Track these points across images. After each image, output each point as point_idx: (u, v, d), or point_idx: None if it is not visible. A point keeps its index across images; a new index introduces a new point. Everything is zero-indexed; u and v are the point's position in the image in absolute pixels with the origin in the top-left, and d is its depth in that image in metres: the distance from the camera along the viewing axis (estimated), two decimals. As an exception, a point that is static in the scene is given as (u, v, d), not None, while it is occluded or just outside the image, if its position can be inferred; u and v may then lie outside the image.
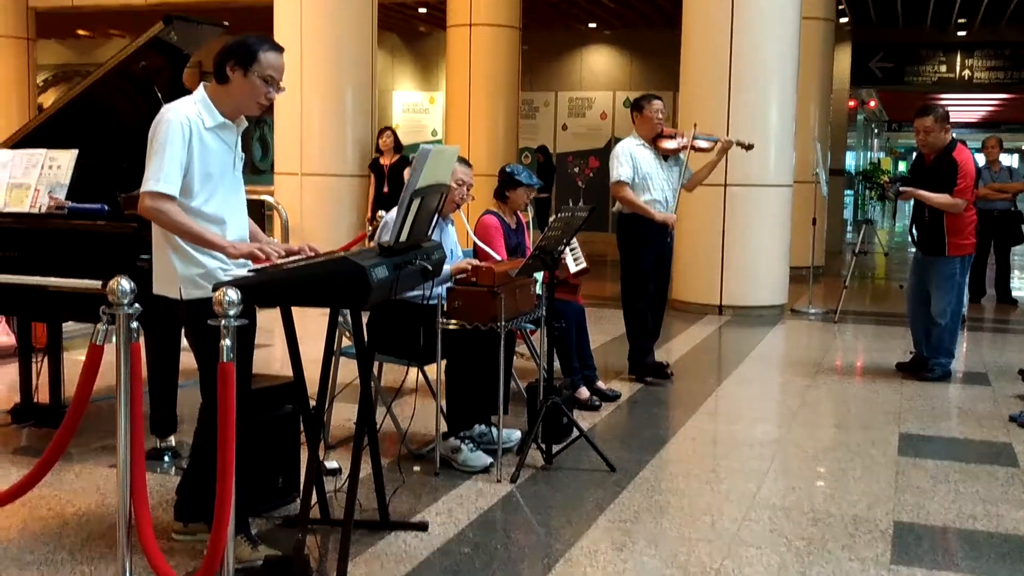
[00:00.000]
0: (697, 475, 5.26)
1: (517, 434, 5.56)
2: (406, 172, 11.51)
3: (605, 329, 8.97)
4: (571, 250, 6.56)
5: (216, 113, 3.89)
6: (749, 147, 7.58)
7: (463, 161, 5.65)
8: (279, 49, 3.95)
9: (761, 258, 10.70)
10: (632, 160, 7.14)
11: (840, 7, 17.04)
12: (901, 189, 7.44)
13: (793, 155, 11.20)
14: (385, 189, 11.77)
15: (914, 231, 7.80)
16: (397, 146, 11.93)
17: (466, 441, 5.22)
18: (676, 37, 11.25)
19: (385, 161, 11.84)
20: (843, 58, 20.17)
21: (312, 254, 3.94)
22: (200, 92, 3.94)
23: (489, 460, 5.17)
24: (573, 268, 6.55)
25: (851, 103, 22.87)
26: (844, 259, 17.59)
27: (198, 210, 3.85)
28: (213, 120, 3.88)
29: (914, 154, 7.68)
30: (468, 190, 5.68)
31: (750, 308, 10.68)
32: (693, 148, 7.29)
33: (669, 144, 7.23)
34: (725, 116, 10.32)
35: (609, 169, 7.26)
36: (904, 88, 22.13)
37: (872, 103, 29.50)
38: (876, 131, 38.80)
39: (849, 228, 24.94)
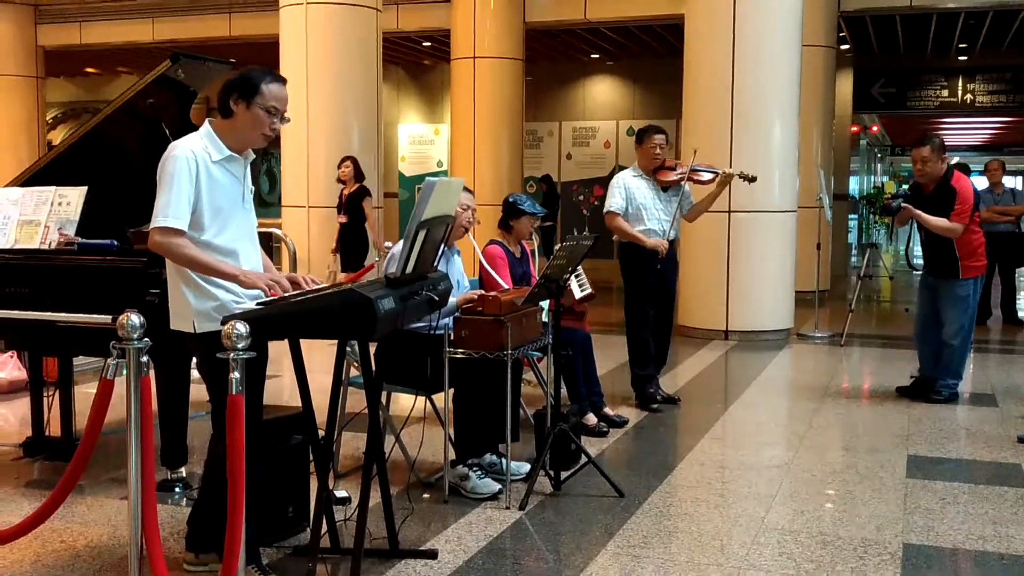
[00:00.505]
0: (705, 500, 5.25)
1: (526, 467, 5.55)
2: (365, 203, 11.37)
3: (611, 356, 8.97)
4: (576, 277, 6.57)
5: (222, 147, 3.93)
6: (751, 180, 7.55)
7: (465, 188, 5.69)
8: (281, 80, 3.98)
9: (766, 283, 10.71)
10: (626, 191, 7.17)
11: (841, 34, 17.10)
12: (902, 205, 7.43)
13: (797, 181, 11.21)
14: (342, 218, 11.40)
15: (908, 255, 7.82)
16: (358, 175, 11.61)
17: (474, 468, 5.23)
18: (678, 66, 11.31)
19: (345, 191, 11.57)
20: (845, 84, 20.23)
21: (311, 287, 3.96)
22: (206, 127, 3.97)
23: (498, 486, 5.17)
24: (578, 294, 6.56)
25: (854, 128, 22.91)
26: (849, 283, 17.57)
27: (209, 243, 3.87)
28: (220, 153, 3.91)
29: (912, 181, 7.66)
30: (472, 214, 5.72)
31: (756, 333, 10.68)
32: (691, 179, 7.29)
33: (668, 176, 7.24)
34: (728, 143, 10.35)
35: (605, 200, 7.30)
36: (906, 113, 22.15)
37: (875, 128, 29.55)
38: (879, 156, 38.84)
39: (854, 252, 24.93)
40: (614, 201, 7.16)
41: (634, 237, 7.12)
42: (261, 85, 3.90)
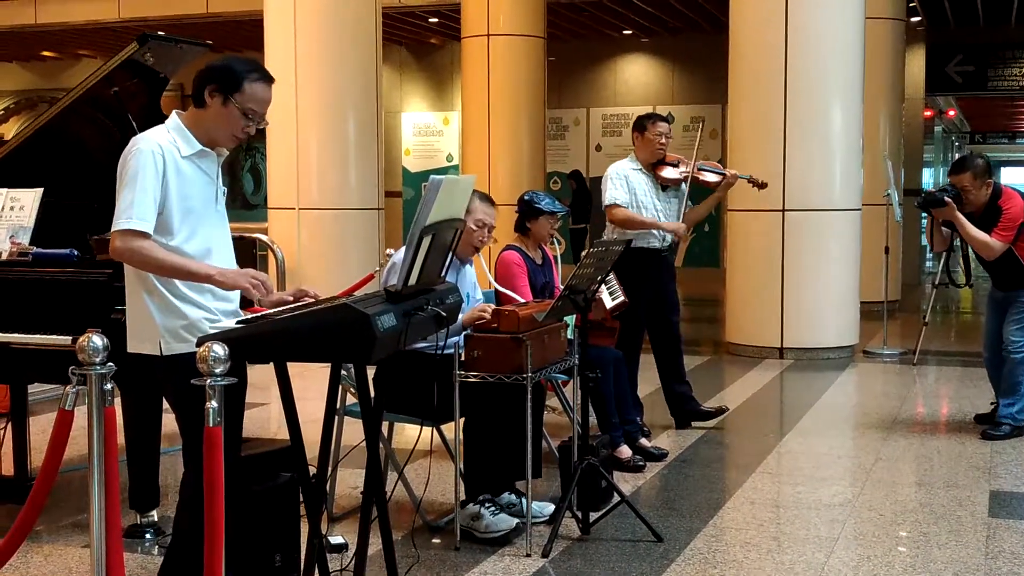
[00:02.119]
0: (757, 544, 5.24)
1: (550, 508, 5.54)
2: None
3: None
4: (606, 284, 6.57)
5: (193, 140, 3.95)
6: (762, 186, 7.58)
7: (486, 199, 5.66)
8: (269, 80, 3.99)
9: (827, 293, 10.68)
10: (627, 184, 7.16)
11: (911, 4, 17.07)
12: (947, 200, 7.35)
13: (861, 174, 11.20)
14: None
15: (949, 267, 7.76)
16: None
17: (487, 504, 5.22)
18: (723, 43, 11.31)
19: None
20: (916, 62, 20.17)
21: (312, 299, 3.97)
22: (173, 118, 4.00)
23: (515, 521, 5.18)
24: (609, 303, 6.55)
25: (927, 113, 22.83)
26: (923, 292, 17.53)
27: (178, 249, 3.89)
28: (190, 148, 3.93)
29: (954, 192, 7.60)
30: (489, 232, 5.70)
31: (815, 350, 10.66)
32: (697, 180, 7.28)
33: (669, 173, 7.21)
34: (781, 132, 10.34)
35: (602, 193, 7.26)
36: (988, 95, 22.08)
37: (951, 112, 29.44)
38: (957, 144, 38.75)
39: (928, 256, 24.83)
40: (617, 193, 7.12)
41: (648, 223, 7.09)
42: (244, 82, 3.91)
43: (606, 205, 7.17)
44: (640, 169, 7.23)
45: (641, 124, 7.28)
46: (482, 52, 15.55)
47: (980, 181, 7.29)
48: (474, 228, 5.52)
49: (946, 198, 7.33)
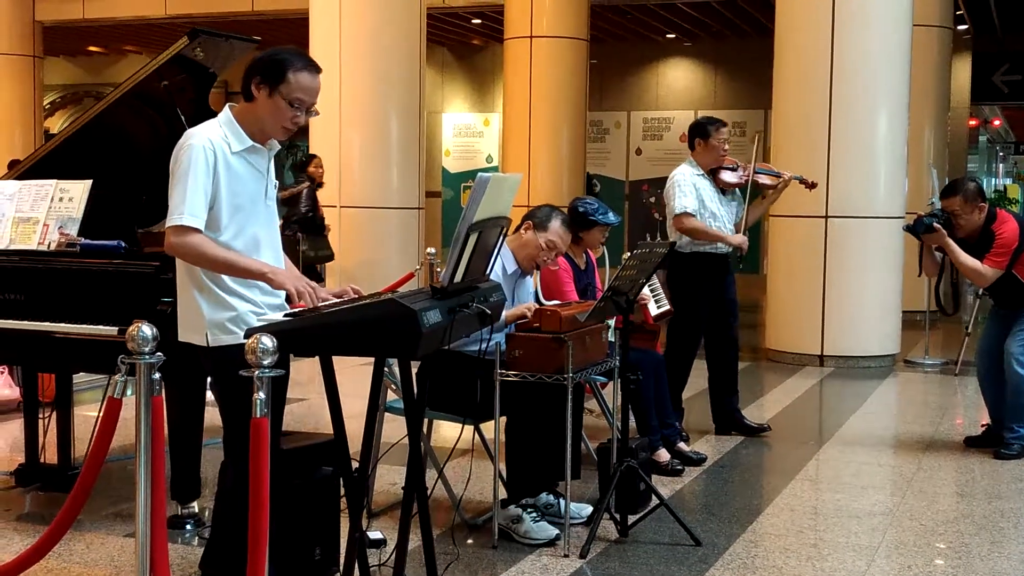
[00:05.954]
0: (796, 551, 5.22)
1: (588, 509, 5.54)
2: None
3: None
4: (651, 289, 6.56)
5: (243, 136, 3.97)
6: (812, 186, 7.62)
7: (567, 225, 5.67)
8: (314, 69, 4.00)
9: (869, 301, 10.63)
10: (696, 191, 7.15)
11: (958, 13, 16.96)
12: (935, 225, 7.18)
13: (905, 182, 11.13)
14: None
15: (939, 293, 7.89)
16: None
17: (528, 510, 5.23)
18: (767, 47, 11.28)
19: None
20: (962, 71, 20.06)
21: (356, 296, 3.99)
22: (225, 113, 4.02)
23: (555, 531, 5.18)
24: (655, 311, 6.55)
25: (972, 122, 22.71)
26: (965, 302, 17.40)
27: (226, 245, 3.92)
28: (240, 143, 3.96)
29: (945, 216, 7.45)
30: (556, 256, 5.70)
31: (856, 358, 10.60)
32: (756, 183, 7.28)
33: (729, 177, 7.22)
34: (825, 138, 10.30)
35: (666, 199, 7.25)
36: (1034, 105, 21.93)
37: (996, 122, 29.28)
38: (1001, 154, 38.48)
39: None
40: (687, 200, 7.10)
41: (716, 235, 7.11)
42: (288, 72, 3.93)
43: (677, 213, 7.12)
44: (703, 175, 7.22)
45: (705, 130, 7.23)
46: (524, 54, 15.56)
47: (971, 205, 7.07)
48: (544, 247, 5.52)
49: (935, 223, 7.14)
